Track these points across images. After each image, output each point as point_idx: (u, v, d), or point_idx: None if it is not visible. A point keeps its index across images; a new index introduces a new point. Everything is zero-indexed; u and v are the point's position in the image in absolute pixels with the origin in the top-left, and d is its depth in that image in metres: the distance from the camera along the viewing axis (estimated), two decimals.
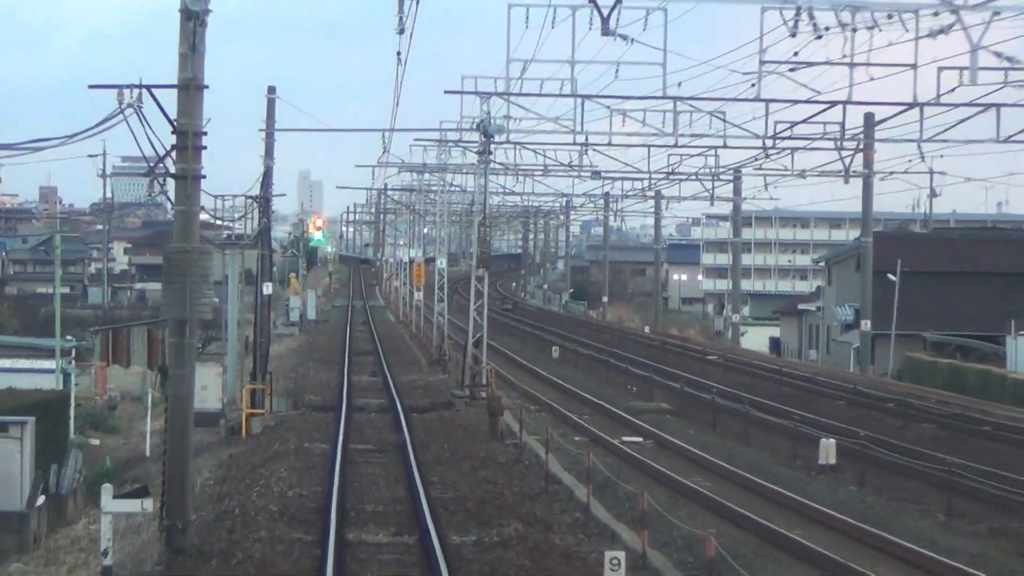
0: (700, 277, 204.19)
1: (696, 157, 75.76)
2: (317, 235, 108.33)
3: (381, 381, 61.38)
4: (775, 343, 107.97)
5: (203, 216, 60.52)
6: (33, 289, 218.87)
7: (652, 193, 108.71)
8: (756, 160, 65.42)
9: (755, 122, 57.02)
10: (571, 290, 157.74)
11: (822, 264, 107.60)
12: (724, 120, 53.47)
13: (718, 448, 41.64)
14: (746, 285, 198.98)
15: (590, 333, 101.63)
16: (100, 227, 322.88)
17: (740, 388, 58.43)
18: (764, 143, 53.94)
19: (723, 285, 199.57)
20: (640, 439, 43.37)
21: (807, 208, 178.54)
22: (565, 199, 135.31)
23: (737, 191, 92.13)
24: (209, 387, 51.84)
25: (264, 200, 50.54)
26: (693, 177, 76.28)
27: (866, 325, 71.42)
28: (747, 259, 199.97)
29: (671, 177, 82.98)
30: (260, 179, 51.02)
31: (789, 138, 53.11)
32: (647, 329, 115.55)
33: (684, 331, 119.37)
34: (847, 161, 56.65)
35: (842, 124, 52.07)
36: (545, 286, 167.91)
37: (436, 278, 72.36)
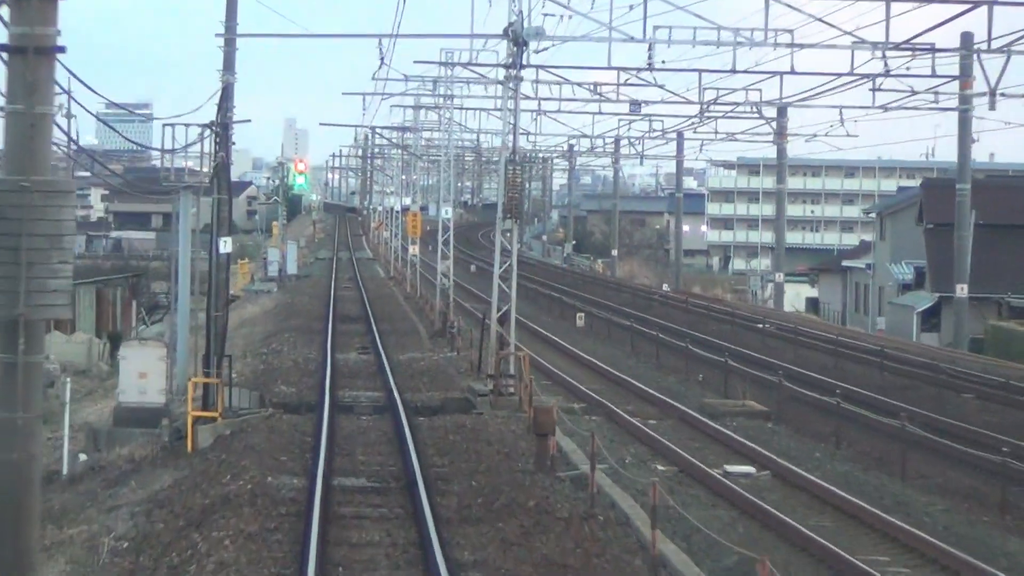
0: (704, 228, 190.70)
1: (738, 92, 62.50)
2: (299, 180, 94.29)
3: (374, 361, 47.91)
4: (813, 304, 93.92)
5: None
6: None
7: (672, 135, 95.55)
8: (837, 87, 51.83)
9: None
10: (573, 242, 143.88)
11: (872, 216, 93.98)
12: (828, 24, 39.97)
13: (871, 488, 28.16)
14: (754, 237, 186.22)
15: (606, 293, 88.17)
16: (83, 173, 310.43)
17: (827, 374, 45.11)
18: (884, 56, 40.17)
19: (728, 236, 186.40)
20: (751, 470, 29.83)
21: (817, 156, 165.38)
22: (569, 142, 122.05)
23: (783, 128, 78.50)
24: (150, 375, 38.42)
25: (222, 127, 36.85)
26: (751, 111, 62.63)
27: (962, 290, 58.03)
28: (755, 209, 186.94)
29: (713, 110, 68.95)
30: (217, 99, 37.40)
31: (920, 49, 39.39)
32: (666, 287, 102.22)
33: (708, 291, 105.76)
34: (992, 81, 42.40)
35: (988, 31, 38.35)
36: (544, 237, 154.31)
37: (440, 230, 58.33)
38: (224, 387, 35.94)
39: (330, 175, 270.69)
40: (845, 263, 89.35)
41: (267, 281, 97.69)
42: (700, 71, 57.39)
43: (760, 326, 63.18)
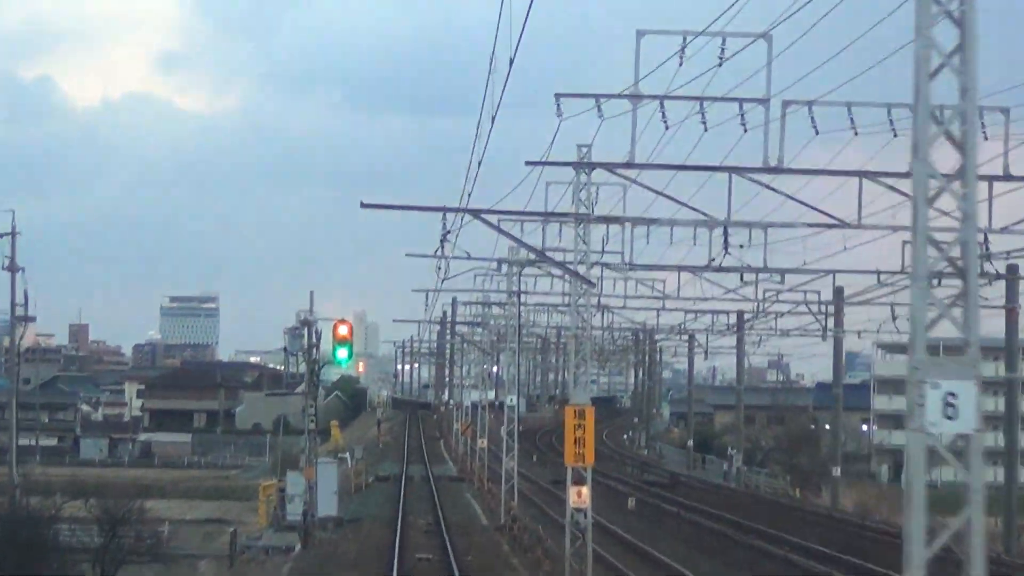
0: (867, 427, 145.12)
1: None
2: (341, 353, 49.80)
3: None
4: None
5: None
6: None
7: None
8: None
9: None
10: (737, 452, 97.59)
11: None
12: None
13: None
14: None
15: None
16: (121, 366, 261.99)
17: None
18: None
19: (901, 439, 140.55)
20: None
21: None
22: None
23: None
24: None
25: None
26: None
27: None
28: None
29: None
30: None
31: None
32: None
33: None
34: None
35: None
36: (690, 443, 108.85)
37: None
38: None
39: (399, 368, 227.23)
40: None
41: (284, 530, 53.47)
42: None
43: None
